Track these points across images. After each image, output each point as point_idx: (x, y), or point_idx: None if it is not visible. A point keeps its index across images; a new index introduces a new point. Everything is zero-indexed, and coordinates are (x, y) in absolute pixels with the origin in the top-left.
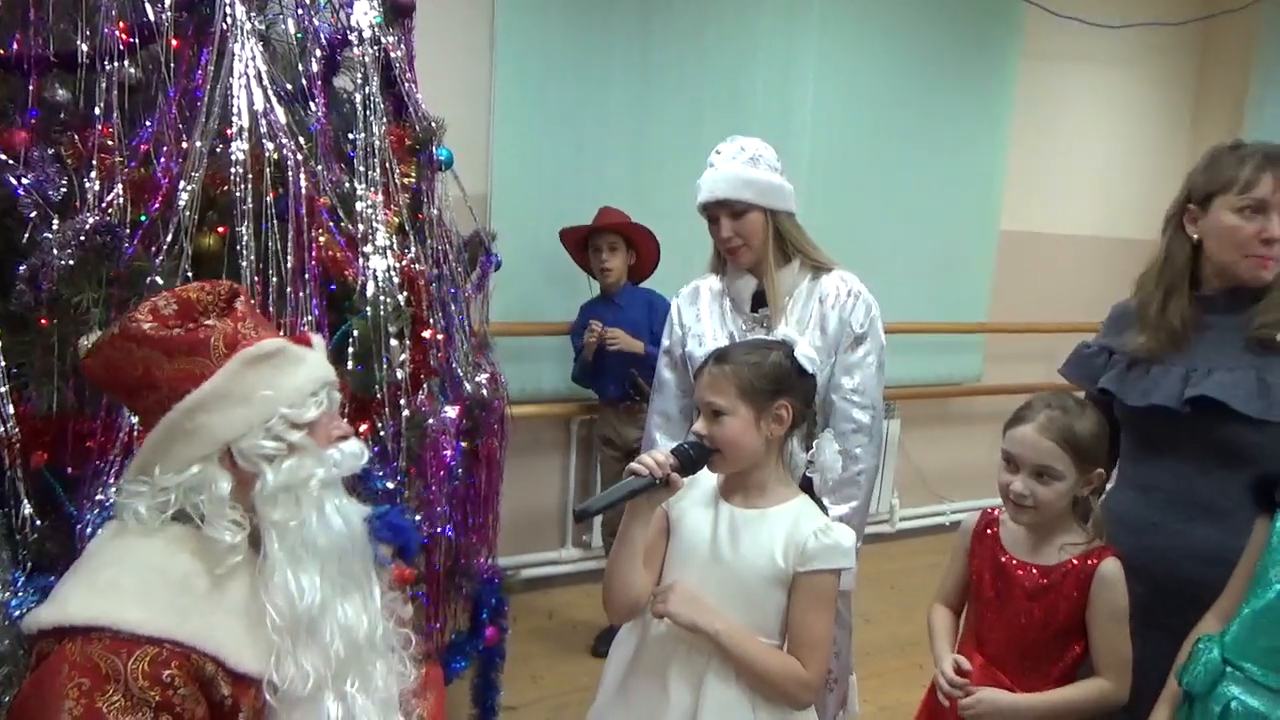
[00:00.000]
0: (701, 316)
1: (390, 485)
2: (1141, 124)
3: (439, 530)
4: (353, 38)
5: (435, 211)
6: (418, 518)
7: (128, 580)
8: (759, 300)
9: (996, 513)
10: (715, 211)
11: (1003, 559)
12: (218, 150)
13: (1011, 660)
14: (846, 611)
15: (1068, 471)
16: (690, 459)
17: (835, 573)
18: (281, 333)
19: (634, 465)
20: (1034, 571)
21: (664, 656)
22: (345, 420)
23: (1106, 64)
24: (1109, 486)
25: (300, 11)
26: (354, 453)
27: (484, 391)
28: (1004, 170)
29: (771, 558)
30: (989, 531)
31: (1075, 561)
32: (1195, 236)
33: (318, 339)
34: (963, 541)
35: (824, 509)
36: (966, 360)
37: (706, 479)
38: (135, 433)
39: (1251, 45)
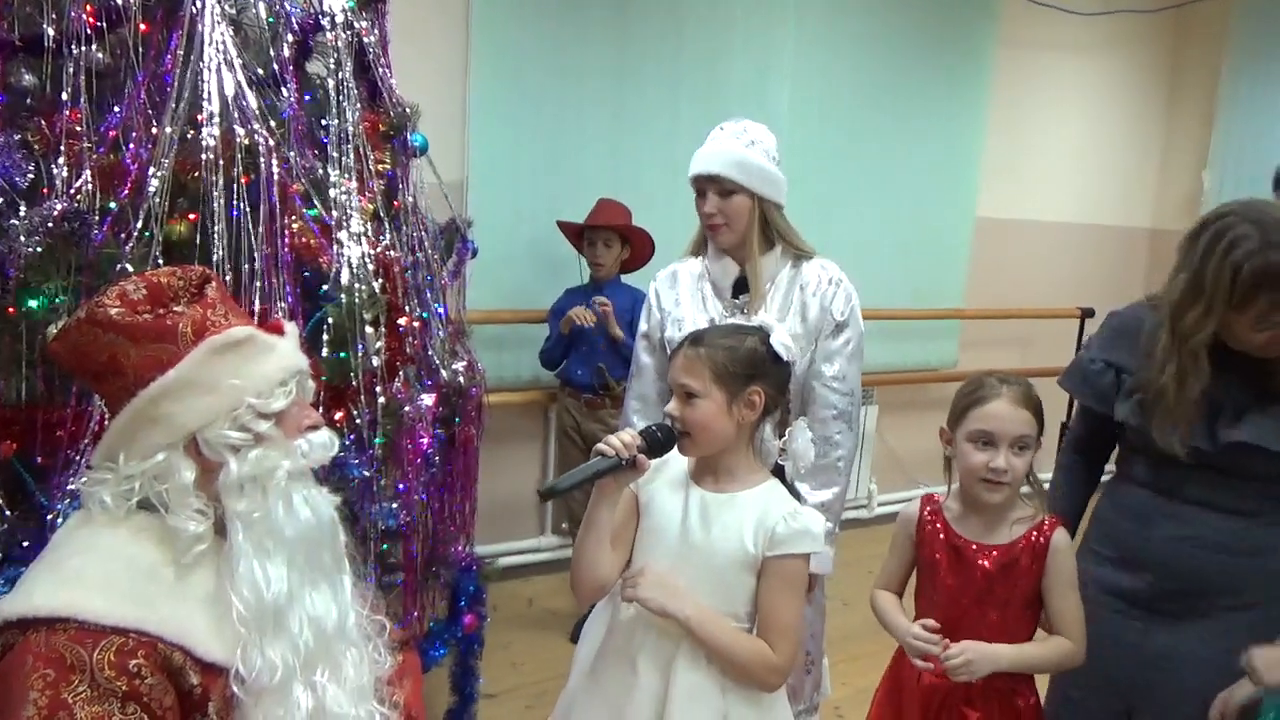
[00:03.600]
0: (681, 300)
1: (366, 473)
2: (1116, 111)
3: (416, 518)
4: (325, 22)
5: (410, 198)
6: (394, 505)
7: (93, 570)
8: (739, 286)
9: (937, 498)
10: (703, 185)
11: (958, 543)
12: (188, 136)
13: (975, 640)
14: (821, 595)
15: (1034, 441)
16: (658, 441)
17: (804, 557)
18: (255, 320)
19: (601, 446)
20: (993, 552)
21: (633, 640)
22: (320, 408)
23: (1082, 51)
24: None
25: None
26: (323, 443)
27: (460, 379)
28: (980, 157)
29: (741, 542)
30: (933, 517)
31: (1030, 536)
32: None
33: (291, 327)
34: (905, 530)
35: (797, 496)
36: (943, 346)
37: (678, 462)
38: (105, 421)
39: (1224, 32)
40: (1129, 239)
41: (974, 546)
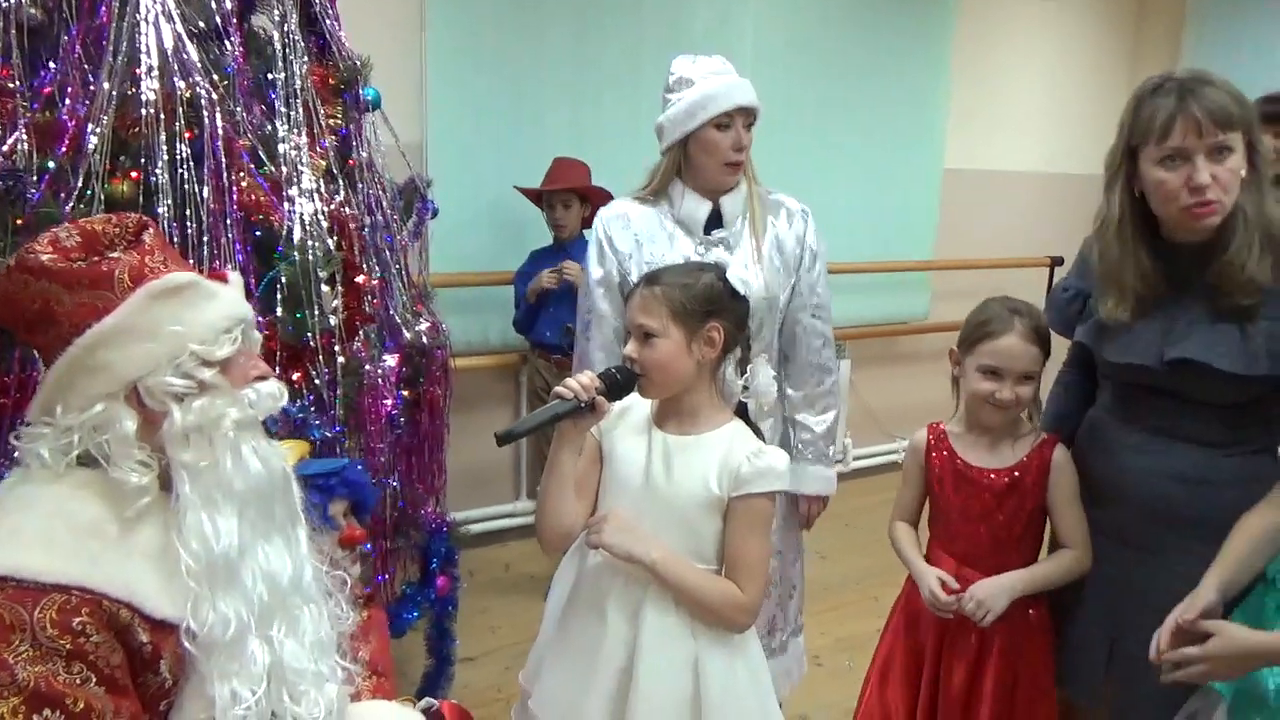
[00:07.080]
0: (644, 242)
1: (328, 434)
2: (1081, 58)
3: (383, 480)
4: None
5: (365, 155)
6: (359, 468)
7: (31, 527)
8: (712, 222)
9: (942, 425)
10: (733, 118)
11: (960, 465)
12: (128, 91)
13: (983, 559)
14: (779, 542)
15: (1039, 372)
16: (617, 383)
17: (770, 496)
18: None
19: (559, 388)
20: (997, 473)
21: (601, 588)
22: (277, 369)
23: None
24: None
25: None
26: (271, 393)
27: (425, 340)
28: (946, 108)
29: (706, 483)
30: (939, 443)
31: (1031, 454)
32: (1138, 191)
33: (235, 276)
34: (915, 459)
35: (759, 434)
36: (914, 298)
37: (640, 407)
38: None
39: None
40: (1096, 187)
41: (978, 469)
